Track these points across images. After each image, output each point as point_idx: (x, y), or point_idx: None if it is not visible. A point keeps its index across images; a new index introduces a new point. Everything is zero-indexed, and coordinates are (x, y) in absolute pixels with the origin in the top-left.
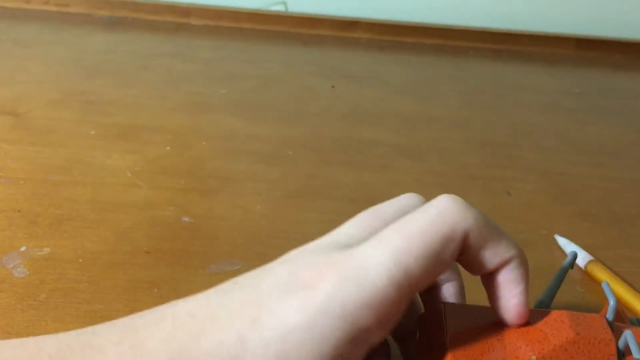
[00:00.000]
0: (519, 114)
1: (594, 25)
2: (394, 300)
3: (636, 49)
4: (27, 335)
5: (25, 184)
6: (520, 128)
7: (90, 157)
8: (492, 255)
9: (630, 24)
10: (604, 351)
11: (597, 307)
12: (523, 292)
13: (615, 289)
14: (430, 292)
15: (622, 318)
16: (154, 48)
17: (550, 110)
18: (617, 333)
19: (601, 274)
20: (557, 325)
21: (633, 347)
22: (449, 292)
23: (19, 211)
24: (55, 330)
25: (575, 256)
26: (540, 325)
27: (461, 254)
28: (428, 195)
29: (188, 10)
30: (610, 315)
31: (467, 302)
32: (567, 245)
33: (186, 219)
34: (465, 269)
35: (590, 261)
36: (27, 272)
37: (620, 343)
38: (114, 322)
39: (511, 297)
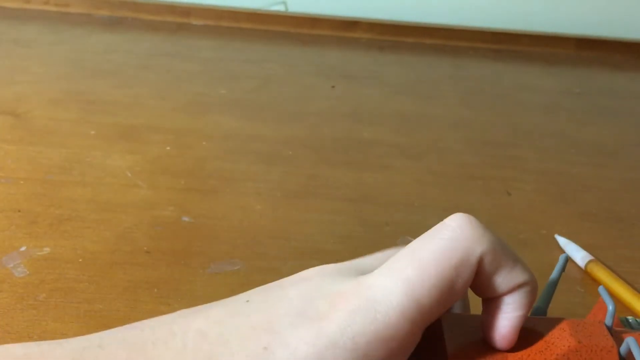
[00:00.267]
0: (519, 114)
1: (594, 25)
2: (407, 333)
3: (636, 49)
4: (27, 335)
5: (25, 184)
6: (520, 128)
7: (90, 157)
8: (504, 281)
9: (630, 24)
10: (607, 358)
11: None
12: (520, 318)
13: (615, 289)
14: None
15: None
16: (154, 48)
17: (550, 110)
18: (616, 339)
19: (601, 274)
20: (557, 334)
21: (636, 354)
22: (453, 306)
23: (19, 211)
24: (55, 330)
25: (566, 259)
26: (540, 333)
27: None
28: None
29: (188, 10)
30: (609, 320)
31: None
32: (567, 245)
33: (186, 219)
34: (473, 291)
35: (590, 261)
36: (27, 272)
37: (622, 350)
38: (122, 333)
39: (506, 319)
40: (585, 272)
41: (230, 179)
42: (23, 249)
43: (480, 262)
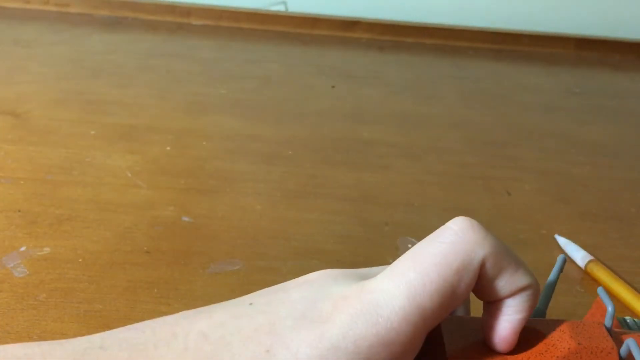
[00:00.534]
0: (519, 114)
1: (594, 25)
2: (409, 337)
3: (636, 49)
4: (27, 335)
5: (25, 184)
6: (520, 128)
7: (90, 157)
8: (506, 284)
9: (630, 24)
10: None
11: None
12: (521, 321)
13: (615, 289)
14: None
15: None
16: (154, 48)
17: (550, 110)
18: (616, 340)
19: (601, 274)
20: (557, 336)
21: (637, 356)
22: (456, 309)
23: (19, 211)
24: (55, 330)
25: (564, 260)
26: (540, 335)
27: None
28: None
29: (188, 10)
30: (608, 322)
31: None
32: (567, 245)
33: (186, 219)
34: (475, 294)
35: (590, 261)
36: (27, 272)
37: (623, 351)
38: (124, 334)
39: (507, 322)
40: (585, 272)
41: (230, 179)
42: (23, 249)
43: (482, 266)
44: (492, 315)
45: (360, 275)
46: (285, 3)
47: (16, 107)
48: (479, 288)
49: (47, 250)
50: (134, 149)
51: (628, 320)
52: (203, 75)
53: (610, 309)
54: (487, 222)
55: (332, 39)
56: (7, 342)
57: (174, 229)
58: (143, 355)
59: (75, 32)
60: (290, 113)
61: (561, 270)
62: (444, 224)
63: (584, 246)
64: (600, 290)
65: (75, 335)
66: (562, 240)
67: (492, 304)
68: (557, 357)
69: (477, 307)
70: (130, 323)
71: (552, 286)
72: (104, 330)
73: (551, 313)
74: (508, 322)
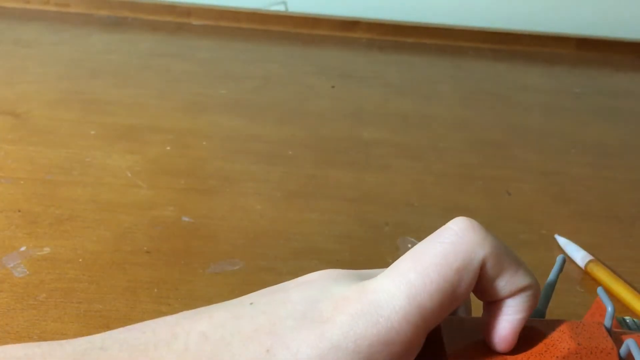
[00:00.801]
0: (519, 114)
1: (594, 25)
2: (409, 337)
3: (636, 49)
4: (27, 335)
5: (25, 184)
6: (520, 128)
7: (90, 157)
8: (506, 284)
9: (630, 24)
10: None
11: None
12: (521, 321)
13: (615, 289)
14: None
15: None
16: (154, 48)
17: (550, 110)
18: (616, 341)
19: (601, 274)
20: (557, 336)
21: (636, 356)
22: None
23: (19, 211)
24: (55, 330)
25: (564, 260)
26: (540, 336)
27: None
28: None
29: (188, 10)
30: (608, 322)
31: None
32: (567, 245)
33: (186, 219)
34: (475, 294)
35: (590, 261)
36: (27, 272)
37: (622, 351)
38: (124, 334)
39: (507, 322)
40: (585, 272)
41: (230, 179)
42: (23, 249)
43: (482, 266)
44: (492, 316)
45: (360, 275)
46: (285, 3)
47: (16, 107)
48: (479, 288)
49: (47, 250)
50: (134, 149)
51: (627, 320)
52: (203, 75)
53: (610, 309)
54: (487, 222)
55: (332, 39)
56: (7, 342)
57: (174, 229)
58: (143, 356)
59: (75, 32)
60: (290, 113)
61: (561, 270)
62: (444, 224)
63: (584, 246)
64: (600, 290)
65: (75, 335)
66: (562, 240)
67: (492, 304)
68: (557, 357)
69: (477, 307)
70: (130, 323)
71: (552, 286)
72: (104, 330)
73: (551, 313)
74: (508, 322)
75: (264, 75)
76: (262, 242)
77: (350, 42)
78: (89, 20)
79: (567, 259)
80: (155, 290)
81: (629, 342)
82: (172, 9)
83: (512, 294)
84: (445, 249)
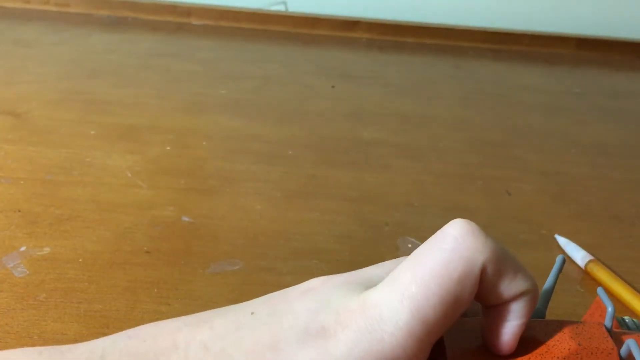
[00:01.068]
0: (519, 114)
1: (594, 25)
2: (414, 352)
3: (636, 49)
4: (27, 335)
5: (25, 184)
6: (520, 128)
7: (90, 157)
8: (506, 289)
9: (630, 24)
10: None
11: None
12: (521, 326)
13: (615, 289)
14: None
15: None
16: (154, 48)
17: (550, 110)
18: (616, 341)
19: (601, 274)
20: (557, 337)
21: (637, 356)
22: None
23: (19, 211)
24: (55, 330)
25: (563, 261)
26: (540, 337)
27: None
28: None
29: (188, 10)
30: (608, 322)
31: None
32: (567, 245)
33: (186, 219)
34: (474, 298)
35: (590, 261)
36: (27, 272)
37: (623, 352)
38: (124, 342)
39: (507, 327)
40: (585, 272)
41: (230, 179)
42: (23, 249)
43: (482, 271)
44: (491, 320)
45: (362, 281)
46: (285, 3)
47: (16, 107)
48: (479, 293)
49: (47, 250)
50: (134, 149)
51: (627, 321)
52: (203, 75)
53: (610, 309)
54: (487, 222)
55: (332, 39)
56: (7, 342)
57: (174, 229)
58: None
59: (75, 32)
60: (290, 113)
61: (560, 270)
62: (444, 224)
63: (584, 246)
64: (600, 290)
65: (75, 335)
66: (562, 240)
67: (492, 308)
68: (557, 358)
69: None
70: (130, 323)
71: (552, 286)
72: (104, 330)
73: (551, 313)
74: (508, 327)
75: (264, 75)
76: (262, 242)
77: (350, 42)
78: (89, 20)
79: (567, 259)
80: (155, 290)
81: (630, 343)
82: (172, 9)
83: (511, 299)
84: (446, 258)
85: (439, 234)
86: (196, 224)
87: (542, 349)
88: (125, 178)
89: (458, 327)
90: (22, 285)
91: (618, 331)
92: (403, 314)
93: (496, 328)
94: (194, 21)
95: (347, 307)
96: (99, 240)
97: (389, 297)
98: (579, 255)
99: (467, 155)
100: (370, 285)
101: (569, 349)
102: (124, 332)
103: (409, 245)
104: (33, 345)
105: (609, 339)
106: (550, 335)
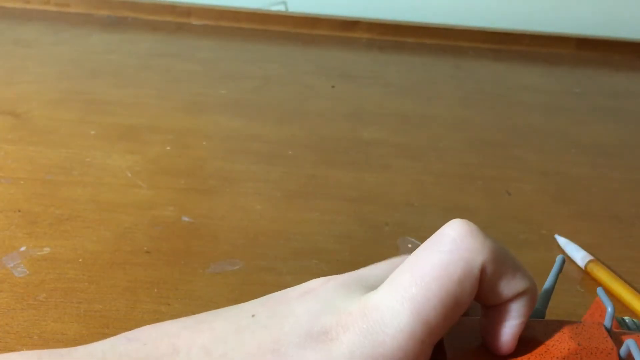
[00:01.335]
0: (519, 114)
1: (594, 25)
2: (417, 355)
3: (636, 49)
4: (27, 335)
5: (25, 184)
6: (520, 128)
7: (90, 157)
8: (505, 289)
9: (630, 24)
10: None
11: None
12: (520, 325)
13: (615, 289)
14: None
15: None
16: (154, 48)
17: (550, 110)
18: (616, 341)
19: (601, 274)
20: (557, 337)
21: (637, 356)
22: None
23: (19, 211)
24: (55, 330)
25: (563, 261)
26: (540, 337)
27: None
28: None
29: (188, 10)
30: (608, 322)
31: None
32: (567, 245)
33: (186, 219)
34: (474, 298)
35: (590, 261)
36: (27, 272)
37: (622, 352)
38: (124, 345)
39: (506, 327)
40: (585, 272)
41: (230, 179)
42: (23, 249)
43: (482, 272)
44: (490, 320)
45: (362, 281)
46: (285, 3)
47: (16, 107)
48: (477, 292)
49: (47, 250)
50: (134, 149)
51: (627, 321)
52: (203, 75)
53: (610, 309)
54: (487, 222)
55: (332, 39)
56: (7, 342)
57: (174, 229)
58: None
59: (75, 32)
60: (290, 113)
61: (560, 270)
62: (444, 224)
63: (584, 246)
64: (599, 290)
65: (75, 335)
66: (562, 240)
67: (491, 308)
68: (557, 357)
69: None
70: (130, 323)
71: (552, 286)
72: (104, 330)
73: (551, 313)
74: (507, 327)
75: (264, 75)
76: (262, 242)
77: (350, 42)
78: (89, 20)
79: (567, 259)
80: (155, 290)
81: (629, 343)
82: (172, 9)
83: (510, 299)
84: (445, 259)
85: (437, 235)
86: (196, 224)
87: (541, 349)
88: (125, 178)
89: (458, 327)
90: (22, 285)
91: (618, 331)
92: (404, 315)
93: (495, 328)
94: (194, 21)
95: (348, 310)
96: (99, 240)
97: (390, 299)
98: (579, 255)
99: (467, 155)
100: (370, 286)
101: (568, 349)
102: (123, 334)
103: (409, 245)
104: (33, 345)
105: (609, 339)
106: (549, 335)
